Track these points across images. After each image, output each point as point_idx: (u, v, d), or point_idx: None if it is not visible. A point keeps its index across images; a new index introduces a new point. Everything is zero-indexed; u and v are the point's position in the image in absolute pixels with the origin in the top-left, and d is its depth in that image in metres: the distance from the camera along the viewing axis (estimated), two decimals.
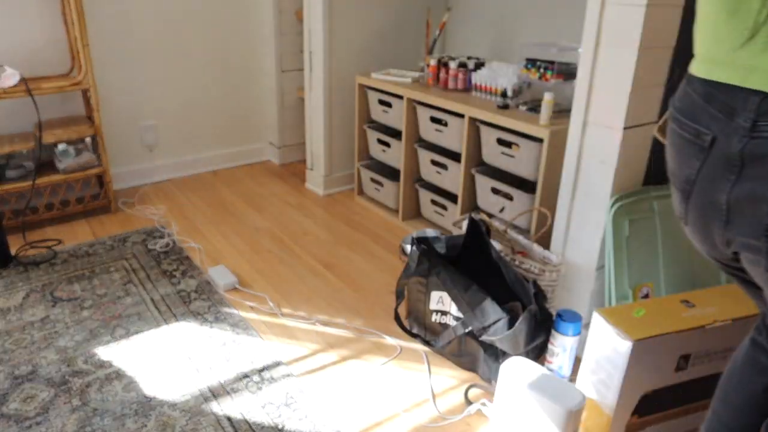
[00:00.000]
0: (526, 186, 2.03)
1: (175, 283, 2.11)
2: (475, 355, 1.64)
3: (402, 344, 1.81)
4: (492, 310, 1.53)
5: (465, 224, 1.73)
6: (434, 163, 2.40)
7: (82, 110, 2.70)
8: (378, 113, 2.66)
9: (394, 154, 2.59)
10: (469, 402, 1.58)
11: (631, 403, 1.40)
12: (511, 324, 1.52)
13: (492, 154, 2.11)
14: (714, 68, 0.84)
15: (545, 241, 1.87)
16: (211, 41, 3.00)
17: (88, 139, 2.55)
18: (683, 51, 1.53)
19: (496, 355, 1.57)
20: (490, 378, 1.62)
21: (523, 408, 1.35)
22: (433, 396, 1.61)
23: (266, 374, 1.67)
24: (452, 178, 2.32)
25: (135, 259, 2.27)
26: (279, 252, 2.38)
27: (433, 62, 2.45)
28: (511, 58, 2.56)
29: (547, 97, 1.86)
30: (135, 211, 2.71)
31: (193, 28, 2.93)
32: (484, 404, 1.56)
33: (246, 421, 1.49)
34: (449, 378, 1.68)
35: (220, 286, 2.08)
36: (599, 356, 1.40)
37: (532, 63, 2.06)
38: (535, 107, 2.02)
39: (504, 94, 2.14)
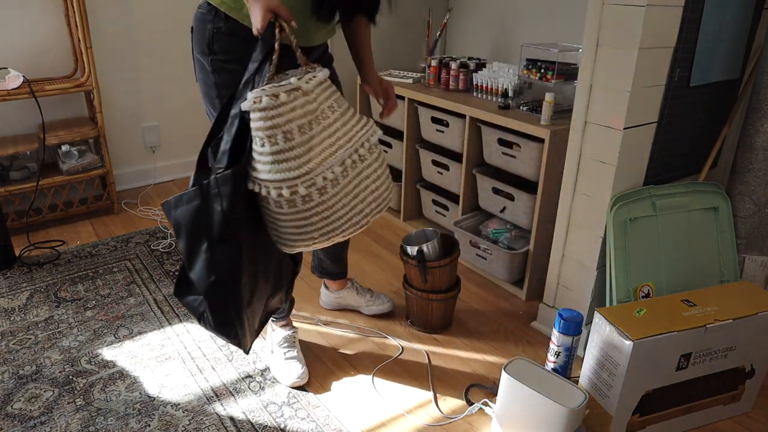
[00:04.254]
0: (527, 186, 2.04)
1: None
2: None
3: (404, 344, 1.82)
4: None
5: None
6: (435, 163, 2.40)
7: (85, 112, 2.71)
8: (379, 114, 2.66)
9: (396, 155, 2.59)
10: (469, 402, 1.59)
11: (632, 402, 1.40)
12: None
13: (493, 154, 2.12)
14: None
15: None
16: None
17: (91, 141, 2.56)
18: (683, 51, 1.53)
19: None
20: None
21: (524, 407, 1.35)
22: (435, 395, 1.62)
23: (269, 374, 1.67)
24: (453, 178, 2.33)
25: (138, 260, 2.28)
26: None
27: (434, 63, 2.46)
28: (512, 59, 2.56)
29: (548, 98, 1.87)
30: (138, 212, 2.73)
31: None
32: (486, 404, 1.56)
33: (249, 421, 1.50)
34: (451, 378, 1.69)
35: None
36: (600, 355, 1.41)
37: (533, 63, 2.07)
38: (535, 108, 2.02)
39: (505, 95, 2.15)
